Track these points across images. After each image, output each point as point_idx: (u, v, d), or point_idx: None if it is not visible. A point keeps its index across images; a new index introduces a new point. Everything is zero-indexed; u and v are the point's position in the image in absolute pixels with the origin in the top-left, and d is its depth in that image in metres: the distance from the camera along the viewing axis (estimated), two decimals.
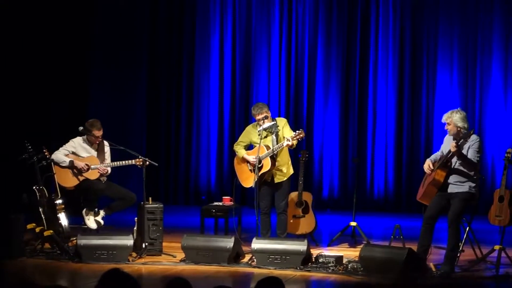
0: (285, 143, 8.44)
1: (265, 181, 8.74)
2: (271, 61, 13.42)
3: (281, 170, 8.74)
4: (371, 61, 13.17)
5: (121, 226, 9.82)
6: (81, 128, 9.19)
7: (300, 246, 8.10)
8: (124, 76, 13.15)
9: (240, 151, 8.87)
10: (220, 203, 9.74)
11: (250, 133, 8.89)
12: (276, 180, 8.76)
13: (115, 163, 9.18)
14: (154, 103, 13.69)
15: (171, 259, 8.47)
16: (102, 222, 9.20)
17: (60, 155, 9.13)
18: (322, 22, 13.27)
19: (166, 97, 13.73)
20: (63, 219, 8.76)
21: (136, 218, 8.90)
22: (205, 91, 13.62)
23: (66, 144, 9.24)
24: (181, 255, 8.42)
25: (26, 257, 8.40)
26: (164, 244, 8.75)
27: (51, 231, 8.53)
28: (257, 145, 8.60)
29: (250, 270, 8.05)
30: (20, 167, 9.02)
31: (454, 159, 7.85)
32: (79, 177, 9.15)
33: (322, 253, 8.20)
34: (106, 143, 9.35)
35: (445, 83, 12.86)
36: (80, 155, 9.19)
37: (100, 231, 9.13)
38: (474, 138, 7.85)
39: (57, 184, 8.93)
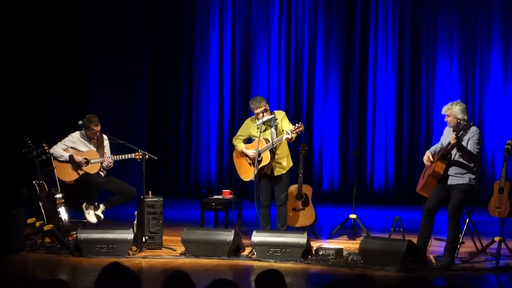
0: (285, 136, 8.43)
1: (265, 174, 8.74)
2: (270, 54, 13.41)
3: (280, 163, 8.74)
4: (371, 54, 13.16)
5: (121, 220, 9.83)
6: (80, 122, 9.18)
7: (300, 238, 8.11)
8: (124, 73, 13.14)
9: (239, 145, 8.87)
10: (220, 197, 9.75)
11: (249, 127, 8.89)
12: (276, 173, 8.77)
13: (115, 157, 9.18)
14: (154, 97, 13.68)
15: (171, 252, 8.48)
16: (102, 216, 9.20)
17: (59, 149, 9.13)
18: (322, 14, 13.25)
19: (166, 92, 13.72)
20: (63, 213, 8.76)
21: (136, 212, 8.91)
22: (205, 85, 13.61)
23: (65, 139, 9.24)
24: (181, 248, 8.42)
25: (27, 251, 8.40)
26: (164, 237, 8.75)
27: (51, 225, 8.52)
28: (256, 139, 8.60)
29: (250, 263, 8.06)
30: (20, 162, 9.02)
31: (454, 151, 7.84)
32: (79, 171, 9.15)
33: (322, 246, 8.21)
34: (105, 137, 9.35)
35: (445, 75, 12.85)
36: (80, 150, 9.19)
37: (100, 225, 9.13)
38: (474, 129, 7.84)
39: (57, 178, 8.93)
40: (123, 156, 9.11)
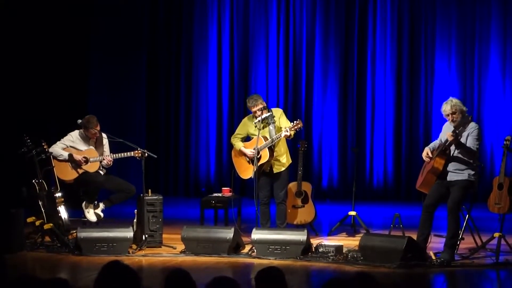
0: (283, 133, 8.43)
1: (264, 171, 8.74)
2: (269, 52, 13.41)
3: (279, 160, 8.74)
4: (369, 50, 13.16)
5: (121, 219, 9.83)
6: (79, 121, 9.18)
7: (300, 236, 8.12)
8: (123, 72, 13.15)
9: (237, 143, 8.87)
10: (220, 194, 9.74)
11: (247, 125, 8.89)
12: (275, 170, 8.77)
13: (114, 155, 9.18)
14: (153, 96, 13.69)
15: (171, 250, 8.48)
16: (102, 214, 9.20)
17: (58, 148, 9.13)
18: (320, 11, 13.25)
19: (165, 90, 13.73)
20: (63, 212, 8.76)
21: (135, 210, 8.91)
22: (204, 83, 13.62)
23: (64, 138, 9.24)
24: (181, 246, 8.43)
25: (27, 250, 8.41)
26: (164, 235, 8.75)
27: (51, 224, 8.53)
28: (254, 137, 8.60)
29: (250, 261, 8.06)
30: (19, 161, 9.02)
31: (453, 147, 7.84)
32: (78, 170, 9.14)
33: (322, 243, 8.21)
34: (104, 135, 9.34)
35: (444, 71, 12.86)
36: (79, 148, 9.19)
37: (100, 223, 9.13)
38: (473, 125, 7.82)
39: (56, 177, 8.93)
40: (123, 155, 9.11)
